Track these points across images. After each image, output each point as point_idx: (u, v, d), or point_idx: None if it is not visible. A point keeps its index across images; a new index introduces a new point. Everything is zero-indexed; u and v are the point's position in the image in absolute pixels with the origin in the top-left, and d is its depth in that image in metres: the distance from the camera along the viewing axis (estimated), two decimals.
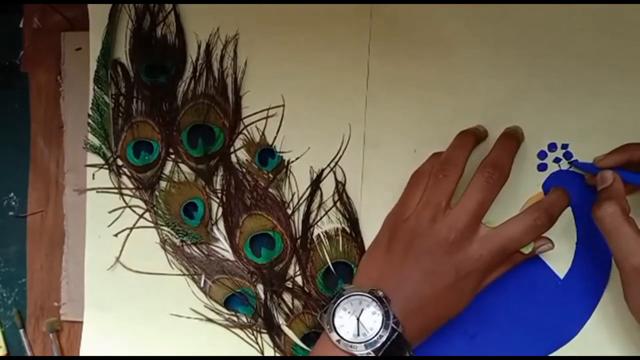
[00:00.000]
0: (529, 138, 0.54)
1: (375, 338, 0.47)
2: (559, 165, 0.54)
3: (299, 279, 0.57)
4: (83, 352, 0.60)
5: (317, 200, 0.57)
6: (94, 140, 0.60)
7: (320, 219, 0.57)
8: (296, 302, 0.57)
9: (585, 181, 0.54)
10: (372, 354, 0.47)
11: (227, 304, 0.58)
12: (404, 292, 0.48)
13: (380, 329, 0.47)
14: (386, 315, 0.47)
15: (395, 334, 0.46)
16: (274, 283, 0.57)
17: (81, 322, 0.60)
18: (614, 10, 0.54)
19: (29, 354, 0.61)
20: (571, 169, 0.54)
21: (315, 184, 0.57)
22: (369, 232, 0.56)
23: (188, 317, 0.58)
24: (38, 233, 0.61)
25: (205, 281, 0.58)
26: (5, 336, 0.62)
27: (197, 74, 0.59)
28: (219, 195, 0.58)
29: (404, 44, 0.56)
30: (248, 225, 0.58)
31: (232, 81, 0.58)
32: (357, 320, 0.47)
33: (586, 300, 0.54)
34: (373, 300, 0.47)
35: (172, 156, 0.59)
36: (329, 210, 0.57)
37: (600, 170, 0.50)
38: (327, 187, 0.57)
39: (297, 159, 0.58)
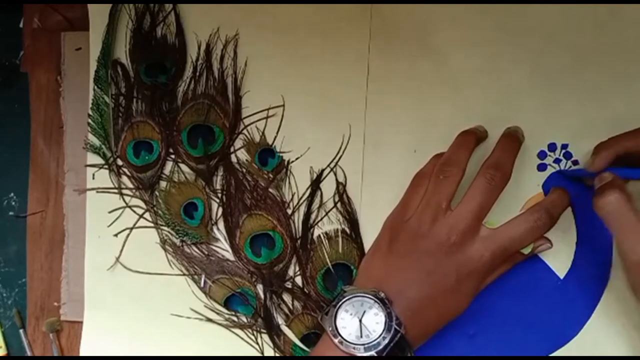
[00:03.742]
0: (529, 138, 0.54)
1: (378, 340, 0.46)
2: (559, 166, 0.54)
3: (298, 280, 0.57)
4: (83, 352, 0.60)
5: (317, 200, 0.57)
6: (94, 140, 0.60)
7: (321, 219, 0.57)
8: (296, 302, 0.57)
9: (585, 181, 0.54)
10: (375, 355, 0.46)
11: (227, 304, 0.58)
12: (406, 294, 0.48)
13: (383, 330, 0.46)
14: (389, 316, 0.46)
15: (398, 335, 0.46)
16: (273, 283, 0.57)
17: (81, 322, 0.60)
18: (614, 10, 0.54)
19: (29, 354, 0.61)
20: (571, 169, 0.54)
21: (316, 184, 0.57)
22: (369, 233, 0.56)
23: (188, 317, 0.58)
24: (38, 233, 0.61)
25: (205, 281, 0.58)
26: (5, 336, 0.62)
27: (197, 74, 0.59)
28: (219, 195, 0.58)
29: (404, 44, 0.56)
30: (248, 225, 0.58)
31: (232, 81, 0.58)
32: (360, 322, 0.47)
33: (586, 300, 0.54)
34: (375, 301, 0.47)
35: (172, 156, 0.59)
36: (329, 211, 0.57)
37: (597, 175, 0.48)
38: (327, 187, 0.57)
39: (297, 159, 0.58)
